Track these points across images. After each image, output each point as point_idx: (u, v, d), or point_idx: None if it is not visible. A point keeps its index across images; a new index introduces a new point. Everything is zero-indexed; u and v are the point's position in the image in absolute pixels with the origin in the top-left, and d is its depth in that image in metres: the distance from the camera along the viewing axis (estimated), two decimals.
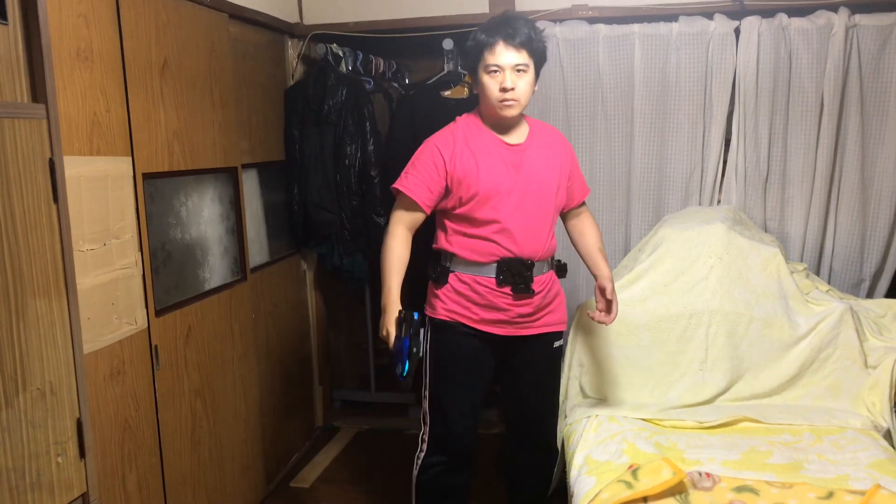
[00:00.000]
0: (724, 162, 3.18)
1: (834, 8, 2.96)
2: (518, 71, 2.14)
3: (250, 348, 2.97)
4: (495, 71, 2.13)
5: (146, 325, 2.31)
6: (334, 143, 3.31)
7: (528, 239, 2.21)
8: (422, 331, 2.22)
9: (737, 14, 3.05)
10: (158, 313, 2.37)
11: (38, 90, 1.57)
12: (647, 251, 2.78)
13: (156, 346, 2.35)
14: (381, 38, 3.41)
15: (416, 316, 2.14)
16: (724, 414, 2.44)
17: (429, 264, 2.30)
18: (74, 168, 1.96)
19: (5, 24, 1.50)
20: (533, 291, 2.22)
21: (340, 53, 3.36)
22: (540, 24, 3.18)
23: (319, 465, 3.36)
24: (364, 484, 3.19)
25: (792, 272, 2.69)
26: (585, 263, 2.44)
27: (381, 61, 3.65)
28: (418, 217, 2.24)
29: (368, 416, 3.85)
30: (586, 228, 2.45)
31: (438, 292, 2.27)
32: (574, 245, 2.47)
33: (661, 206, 3.24)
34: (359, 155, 3.34)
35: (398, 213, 2.24)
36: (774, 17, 3.02)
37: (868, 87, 3.00)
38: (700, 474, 1.96)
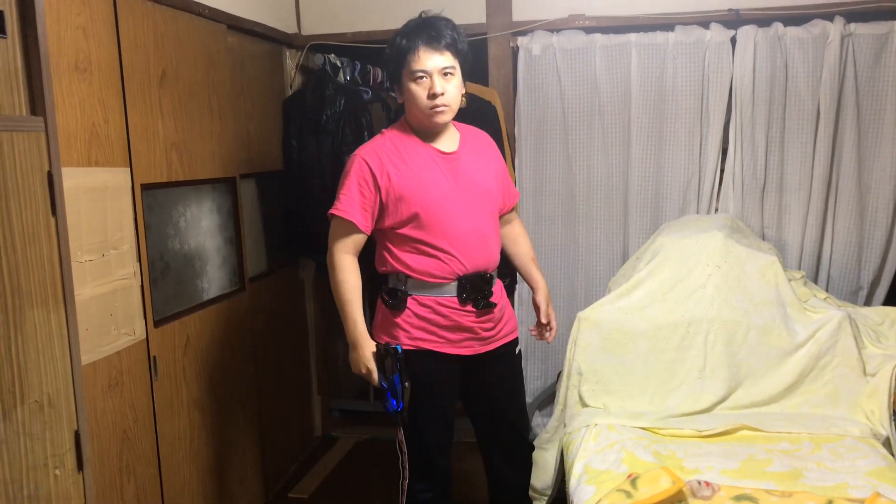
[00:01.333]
0: (722, 170, 3.19)
1: (829, 17, 2.98)
2: (445, 74, 2.04)
3: (248, 358, 2.96)
4: (422, 77, 2.04)
5: (145, 336, 2.30)
6: (332, 153, 3.31)
7: (481, 250, 2.13)
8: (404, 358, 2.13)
9: (733, 23, 3.07)
10: (157, 324, 2.37)
11: (37, 103, 1.57)
12: (645, 259, 2.78)
13: (154, 357, 2.35)
14: (378, 48, 3.40)
15: (399, 349, 2.09)
16: (722, 422, 2.43)
17: (381, 290, 2.18)
18: (73, 179, 1.97)
19: (4, 38, 1.50)
20: (494, 304, 2.17)
21: (338, 63, 3.38)
22: (537, 34, 3.21)
23: (318, 475, 3.35)
24: (363, 494, 3.18)
25: (790, 280, 2.69)
26: (520, 273, 2.38)
27: (379, 71, 3.66)
28: (359, 240, 2.11)
29: (367, 425, 3.84)
30: (519, 237, 2.38)
31: (398, 320, 2.14)
32: (507, 252, 2.38)
33: (658, 214, 3.24)
34: None
35: (338, 241, 2.11)
36: (770, 26, 3.03)
37: (864, 96, 3.01)
38: (699, 483, 1.96)
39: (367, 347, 2.11)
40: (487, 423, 2.35)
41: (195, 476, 2.59)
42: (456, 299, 2.13)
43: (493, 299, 2.17)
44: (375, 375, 2.10)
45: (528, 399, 3.26)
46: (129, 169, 2.24)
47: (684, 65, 3.10)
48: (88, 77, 2.07)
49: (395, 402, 2.09)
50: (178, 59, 2.50)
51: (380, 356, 2.09)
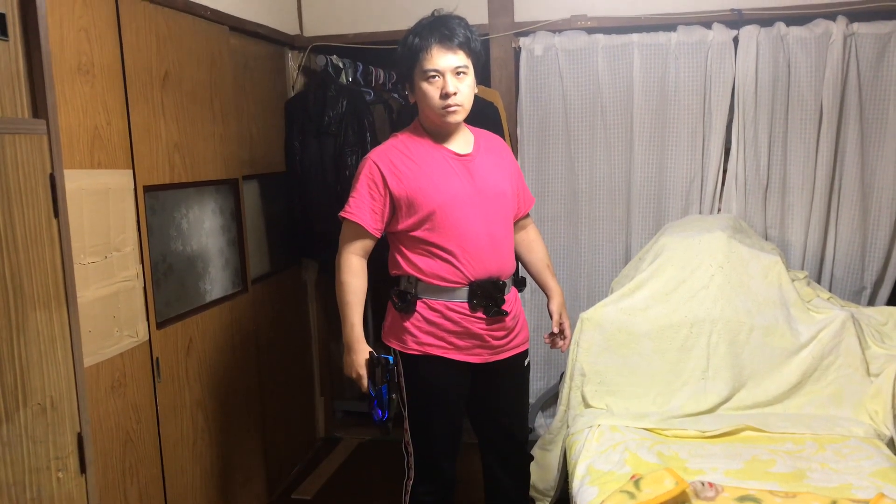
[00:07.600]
0: (724, 170, 3.19)
1: (832, 16, 2.98)
2: (458, 74, 2.02)
3: (252, 359, 2.97)
4: (434, 76, 2.01)
5: (147, 338, 2.31)
6: (335, 154, 3.32)
7: (494, 255, 2.10)
8: (394, 369, 2.12)
9: (735, 23, 3.07)
10: (159, 325, 2.37)
11: (39, 105, 1.57)
12: (647, 260, 2.78)
13: (157, 359, 2.35)
14: (380, 49, 3.42)
15: (391, 360, 2.08)
16: (726, 423, 2.43)
17: (391, 291, 2.16)
18: (75, 181, 1.97)
19: (6, 40, 1.50)
20: (506, 313, 2.13)
21: (340, 65, 3.38)
22: (539, 35, 3.21)
23: (321, 476, 3.35)
24: (366, 495, 3.18)
25: (793, 280, 2.69)
26: (534, 280, 2.36)
27: (381, 72, 3.66)
28: (369, 242, 2.11)
29: (370, 426, 3.83)
30: (533, 243, 2.35)
31: (407, 324, 2.12)
32: (521, 260, 2.36)
33: (661, 214, 3.24)
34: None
35: (347, 243, 2.11)
36: (773, 25, 3.03)
37: (867, 95, 3.01)
38: (703, 484, 1.95)
39: (360, 353, 2.09)
40: (487, 431, 2.34)
41: (198, 477, 2.59)
42: (466, 305, 2.09)
43: (505, 307, 2.13)
44: (365, 382, 2.09)
45: (531, 400, 3.26)
46: (131, 171, 2.24)
47: (686, 65, 3.10)
48: (91, 79, 2.07)
49: (380, 412, 2.08)
50: (181, 61, 2.51)
51: (371, 364, 2.08)
